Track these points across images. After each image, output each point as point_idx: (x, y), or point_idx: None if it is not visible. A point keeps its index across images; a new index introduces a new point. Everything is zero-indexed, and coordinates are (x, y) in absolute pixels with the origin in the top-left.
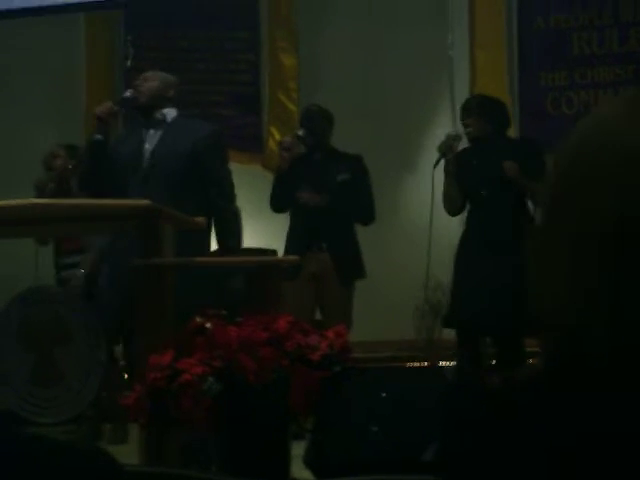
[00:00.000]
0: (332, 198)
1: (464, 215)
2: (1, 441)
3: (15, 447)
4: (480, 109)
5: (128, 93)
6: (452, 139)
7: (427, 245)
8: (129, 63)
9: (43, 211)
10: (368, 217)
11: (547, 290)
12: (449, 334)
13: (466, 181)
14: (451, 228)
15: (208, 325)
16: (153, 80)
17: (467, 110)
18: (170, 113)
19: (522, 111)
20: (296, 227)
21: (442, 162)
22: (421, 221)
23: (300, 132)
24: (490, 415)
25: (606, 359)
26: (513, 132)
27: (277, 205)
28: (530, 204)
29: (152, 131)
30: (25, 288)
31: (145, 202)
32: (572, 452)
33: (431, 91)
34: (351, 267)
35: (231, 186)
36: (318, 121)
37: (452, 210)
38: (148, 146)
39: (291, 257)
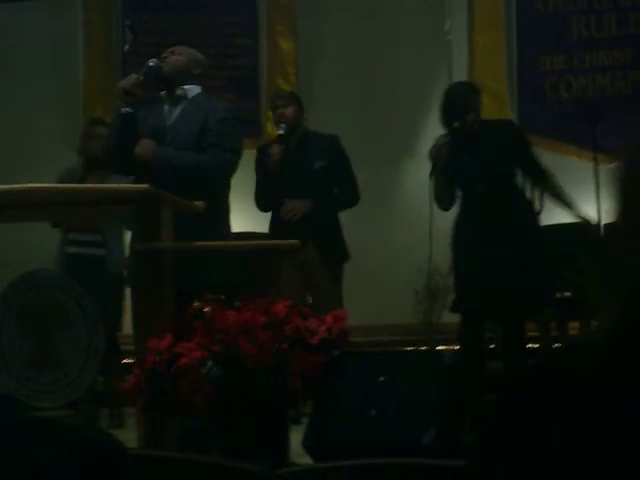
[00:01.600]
0: (310, 186)
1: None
2: (8, 424)
3: (23, 429)
4: (468, 103)
5: (152, 62)
6: (441, 146)
7: (427, 229)
8: (127, 48)
9: (41, 196)
10: (353, 199)
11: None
12: (448, 318)
13: (459, 178)
14: (450, 212)
15: (207, 309)
16: (180, 54)
17: (461, 108)
18: (192, 90)
19: (521, 95)
20: (279, 217)
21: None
22: (420, 205)
23: (281, 130)
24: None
25: None
26: (512, 115)
27: (264, 206)
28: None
29: (172, 107)
30: (24, 272)
31: (144, 186)
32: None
33: (430, 76)
34: (335, 252)
35: (235, 141)
36: (298, 100)
37: (444, 207)
38: (168, 122)
39: (292, 241)
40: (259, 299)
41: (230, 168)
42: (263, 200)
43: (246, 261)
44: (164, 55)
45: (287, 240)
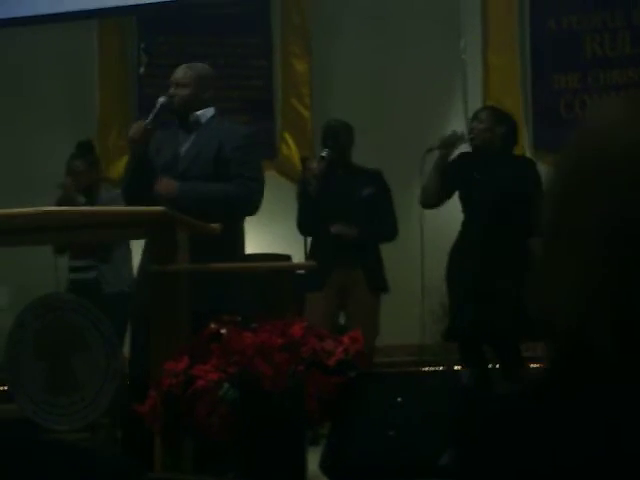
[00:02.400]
0: (358, 213)
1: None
2: (23, 447)
3: (37, 454)
4: (496, 117)
5: (162, 100)
6: (457, 137)
7: (443, 250)
8: (142, 70)
9: (57, 219)
10: (392, 234)
11: (555, 291)
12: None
13: (465, 192)
14: (448, 230)
15: (223, 331)
16: (185, 86)
17: (481, 115)
18: (205, 114)
19: (535, 114)
20: (322, 242)
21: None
22: (437, 224)
23: (324, 153)
24: (504, 419)
25: (613, 354)
26: (526, 135)
27: (307, 230)
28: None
29: (186, 134)
30: (40, 296)
31: (160, 209)
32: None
33: (444, 95)
34: (379, 278)
35: (257, 169)
36: (343, 137)
37: (427, 203)
38: (182, 150)
39: (307, 262)
40: (275, 320)
41: (258, 196)
42: (306, 226)
43: (263, 282)
44: (171, 92)
45: (308, 262)
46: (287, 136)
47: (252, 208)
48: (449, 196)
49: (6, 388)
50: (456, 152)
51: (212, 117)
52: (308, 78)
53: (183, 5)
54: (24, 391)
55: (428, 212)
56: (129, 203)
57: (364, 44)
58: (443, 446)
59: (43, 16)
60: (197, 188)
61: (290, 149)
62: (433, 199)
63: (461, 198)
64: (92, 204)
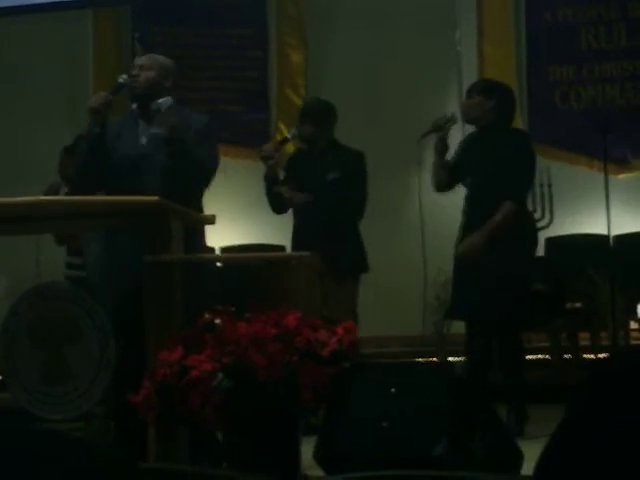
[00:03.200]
0: (321, 197)
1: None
2: (16, 437)
3: (32, 443)
4: (487, 91)
5: (122, 79)
6: (447, 118)
7: (434, 239)
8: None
9: (51, 208)
10: (354, 214)
11: None
12: (458, 329)
13: (462, 166)
14: (459, 222)
15: (217, 321)
16: (150, 69)
17: (472, 90)
18: (165, 102)
19: (531, 105)
20: (298, 227)
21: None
22: (430, 217)
23: (289, 134)
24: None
25: None
26: (521, 125)
27: (275, 209)
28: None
29: (147, 123)
30: (35, 285)
31: (154, 198)
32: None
33: (439, 86)
34: (352, 263)
35: (212, 161)
36: (316, 114)
37: (438, 187)
38: (142, 139)
39: (302, 253)
40: (269, 311)
41: (210, 168)
42: (272, 205)
43: (257, 273)
44: (134, 73)
45: (305, 249)
46: (282, 126)
47: (207, 181)
48: (458, 180)
49: (0, 377)
50: (451, 133)
51: (171, 106)
52: (303, 69)
53: None
54: (18, 380)
55: (427, 201)
56: (83, 183)
57: (359, 35)
58: (437, 437)
59: (38, 5)
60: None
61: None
62: (442, 183)
63: (461, 175)
64: None
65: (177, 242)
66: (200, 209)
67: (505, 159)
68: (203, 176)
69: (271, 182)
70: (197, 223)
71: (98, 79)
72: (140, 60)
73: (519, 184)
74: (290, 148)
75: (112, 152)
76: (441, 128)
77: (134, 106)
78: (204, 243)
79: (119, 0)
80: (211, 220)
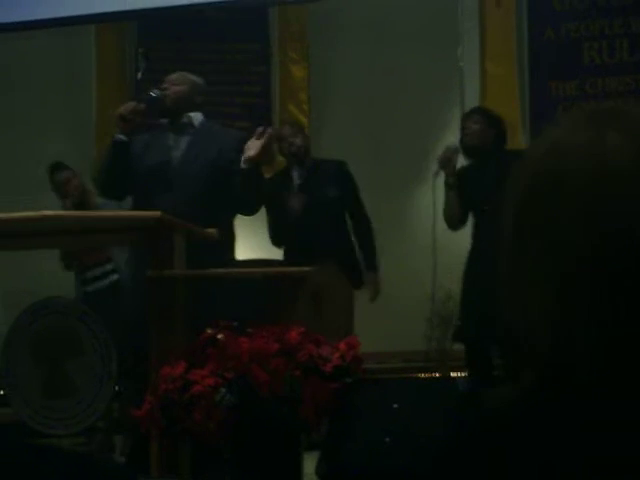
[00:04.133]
0: (325, 215)
1: (470, 230)
2: (18, 453)
3: (32, 459)
4: (487, 119)
5: (154, 93)
6: (451, 151)
7: (437, 256)
8: (140, 75)
9: (53, 223)
10: (365, 225)
11: (525, 313)
12: (460, 345)
13: (468, 196)
14: (459, 238)
15: (220, 336)
16: (181, 84)
17: (473, 116)
18: (197, 117)
19: (533, 121)
20: (292, 239)
21: (442, 174)
22: (431, 232)
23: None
24: (489, 430)
25: (592, 371)
26: (524, 142)
27: (277, 242)
28: None
29: (178, 136)
30: (37, 300)
31: (157, 213)
32: (569, 462)
33: (442, 103)
34: (354, 276)
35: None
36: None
37: (452, 224)
38: (176, 152)
39: (304, 268)
40: (272, 326)
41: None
42: (277, 236)
43: (259, 288)
44: (165, 86)
45: (301, 267)
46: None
47: (254, 208)
48: (468, 213)
49: (2, 392)
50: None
51: (203, 121)
52: (306, 84)
53: (182, 11)
54: (20, 395)
55: (421, 220)
56: (105, 191)
57: (362, 51)
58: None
59: (42, 21)
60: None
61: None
62: (456, 219)
63: (469, 204)
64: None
65: (180, 257)
66: (226, 233)
67: None
68: (241, 213)
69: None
70: (200, 238)
71: (101, 95)
72: (171, 76)
73: None
74: (280, 165)
75: (139, 163)
76: (448, 161)
77: (164, 120)
78: (229, 256)
79: (124, 16)
80: (212, 235)
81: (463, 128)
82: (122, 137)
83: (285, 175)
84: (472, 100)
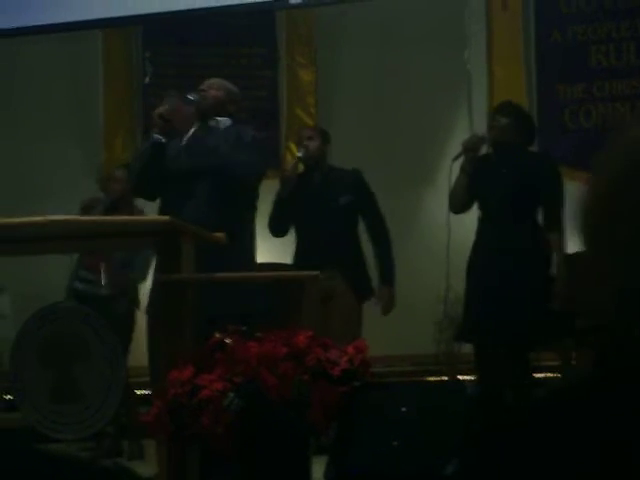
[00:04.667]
0: (336, 221)
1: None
2: (25, 458)
3: (38, 465)
4: (516, 114)
5: (192, 96)
6: (479, 139)
7: (445, 258)
8: (147, 80)
9: (59, 228)
10: (384, 236)
11: (600, 290)
12: (469, 348)
13: (478, 186)
14: (470, 240)
15: (228, 341)
16: (219, 90)
17: (503, 110)
18: (225, 122)
19: (540, 124)
20: (303, 246)
21: (461, 160)
22: (440, 234)
23: (300, 153)
24: (513, 429)
25: None
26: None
27: (277, 229)
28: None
29: (200, 136)
30: (45, 305)
31: (165, 218)
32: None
33: (449, 106)
34: (362, 286)
35: (260, 166)
36: (322, 131)
37: (456, 207)
38: (193, 156)
39: (313, 272)
40: (280, 330)
41: (258, 178)
42: (276, 224)
43: (268, 292)
44: (202, 89)
45: (310, 271)
46: (292, 146)
47: (253, 180)
48: (474, 201)
49: (10, 397)
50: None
51: (230, 125)
52: (313, 88)
53: (189, 16)
54: (28, 400)
55: (438, 219)
56: (140, 191)
57: (369, 54)
58: (448, 456)
59: (48, 26)
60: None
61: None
62: (460, 203)
63: (478, 196)
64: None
65: (188, 261)
66: (245, 235)
67: (542, 186)
68: (237, 180)
69: (285, 202)
70: (209, 242)
71: (108, 100)
72: (210, 80)
73: (559, 213)
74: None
75: (171, 165)
76: (472, 149)
77: (198, 124)
78: (254, 258)
79: (130, 21)
80: (222, 239)
81: (492, 119)
82: (160, 138)
83: (300, 178)
84: (479, 103)
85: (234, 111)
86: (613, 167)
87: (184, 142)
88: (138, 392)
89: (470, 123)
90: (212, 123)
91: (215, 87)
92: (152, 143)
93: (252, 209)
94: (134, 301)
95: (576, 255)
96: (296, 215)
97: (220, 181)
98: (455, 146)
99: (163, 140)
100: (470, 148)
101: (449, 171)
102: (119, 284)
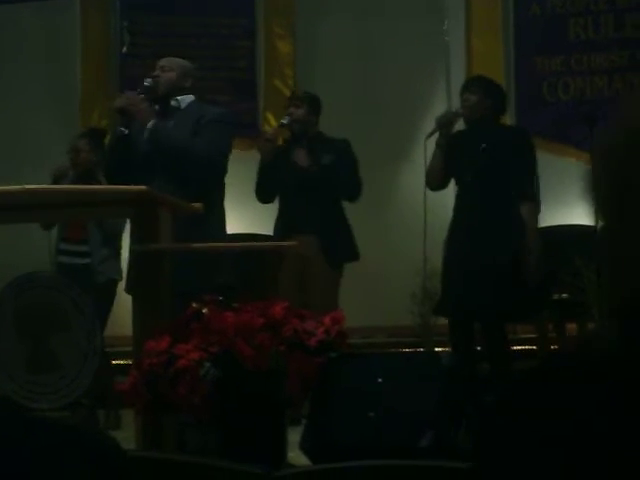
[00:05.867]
0: (317, 180)
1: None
2: (6, 424)
3: (20, 429)
4: (485, 89)
5: (147, 82)
6: (452, 115)
7: (423, 231)
8: (125, 49)
9: (38, 197)
10: (352, 192)
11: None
12: (444, 320)
13: (453, 162)
14: (448, 213)
15: (204, 311)
16: (170, 70)
17: (471, 87)
18: (185, 99)
19: (518, 97)
20: (283, 211)
21: (434, 137)
22: (418, 206)
23: (284, 120)
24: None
25: None
26: (508, 118)
27: (263, 196)
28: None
29: (165, 121)
30: (20, 274)
31: (142, 188)
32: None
33: (427, 77)
34: (340, 250)
35: (223, 146)
36: (310, 99)
37: (433, 184)
38: (161, 137)
39: (288, 242)
40: (257, 300)
41: (223, 159)
42: (262, 191)
43: (244, 262)
44: (155, 74)
45: (288, 239)
46: (270, 116)
47: (216, 170)
48: (450, 178)
49: None
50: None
51: (192, 102)
52: (291, 59)
53: None
54: (4, 369)
55: (415, 193)
56: (111, 182)
57: (348, 25)
58: (423, 428)
59: None
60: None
61: (272, 129)
62: (437, 180)
63: (453, 172)
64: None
65: (165, 232)
66: (213, 201)
67: (512, 157)
68: (197, 164)
69: (267, 169)
70: (185, 213)
71: (85, 69)
72: (160, 62)
73: (531, 183)
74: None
75: (136, 152)
76: (446, 124)
77: (156, 107)
78: (224, 232)
79: None
80: (198, 209)
81: (462, 98)
82: (124, 130)
83: (284, 147)
84: (458, 75)
85: (191, 86)
86: (619, 138)
87: (148, 128)
88: (119, 362)
89: (448, 95)
90: (173, 103)
91: (167, 68)
92: (117, 137)
93: (220, 186)
94: (116, 271)
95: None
96: (281, 182)
97: (183, 163)
98: (433, 118)
99: (125, 132)
100: (444, 124)
101: (424, 147)
102: None
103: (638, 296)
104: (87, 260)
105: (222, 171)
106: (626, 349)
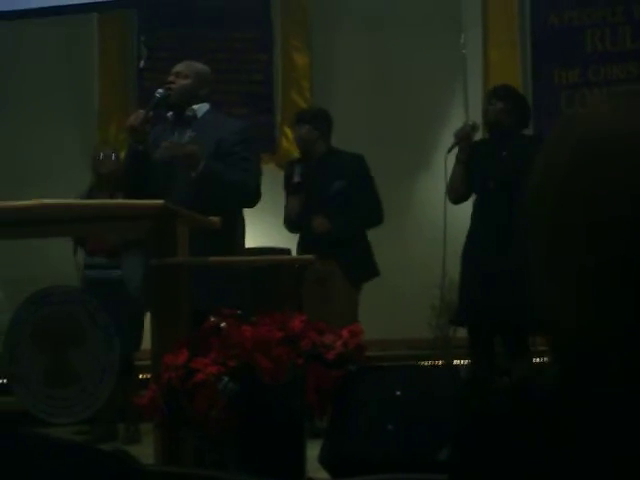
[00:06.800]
0: (329, 206)
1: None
2: (19, 442)
3: (32, 448)
4: (513, 98)
5: (159, 93)
6: (470, 128)
7: (442, 243)
8: (142, 64)
9: (54, 212)
10: (375, 219)
11: (558, 296)
12: (464, 332)
13: (476, 172)
14: (467, 226)
15: (223, 324)
16: (186, 77)
17: (499, 93)
18: (201, 108)
19: (536, 109)
20: (303, 235)
21: (455, 149)
22: (437, 219)
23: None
24: (506, 415)
25: (627, 359)
26: (526, 129)
27: (291, 227)
28: None
29: (182, 130)
30: (39, 289)
31: (159, 202)
32: (591, 450)
33: (445, 90)
34: (360, 270)
35: (255, 169)
36: (311, 116)
37: (455, 198)
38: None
39: (306, 256)
40: (275, 314)
41: (251, 185)
42: (290, 221)
43: (263, 276)
44: (170, 80)
45: (306, 256)
46: (287, 130)
47: (247, 196)
48: (472, 189)
49: (5, 381)
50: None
51: (207, 112)
52: (308, 72)
53: None
54: (23, 384)
55: (435, 204)
56: (129, 197)
57: (365, 38)
58: (442, 441)
59: (43, 9)
60: (220, 167)
61: (290, 143)
62: (459, 193)
63: (475, 180)
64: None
65: (183, 245)
66: (234, 221)
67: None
68: (239, 198)
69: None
70: (203, 226)
71: (103, 82)
72: (176, 67)
73: None
74: (294, 153)
75: (154, 165)
76: (465, 138)
77: (169, 114)
78: (243, 244)
79: (125, 4)
80: (216, 224)
81: (488, 103)
82: (139, 147)
83: (302, 165)
84: (475, 88)
85: (207, 94)
86: (565, 152)
87: (182, 142)
88: (141, 376)
89: (465, 108)
90: (189, 113)
91: (182, 75)
92: (133, 153)
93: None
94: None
95: None
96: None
97: (216, 191)
98: (451, 130)
99: (140, 148)
100: (462, 137)
101: (444, 162)
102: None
103: (574, 334)
104: (118, 272)
105: (258, 198)
106: (562, 385)
